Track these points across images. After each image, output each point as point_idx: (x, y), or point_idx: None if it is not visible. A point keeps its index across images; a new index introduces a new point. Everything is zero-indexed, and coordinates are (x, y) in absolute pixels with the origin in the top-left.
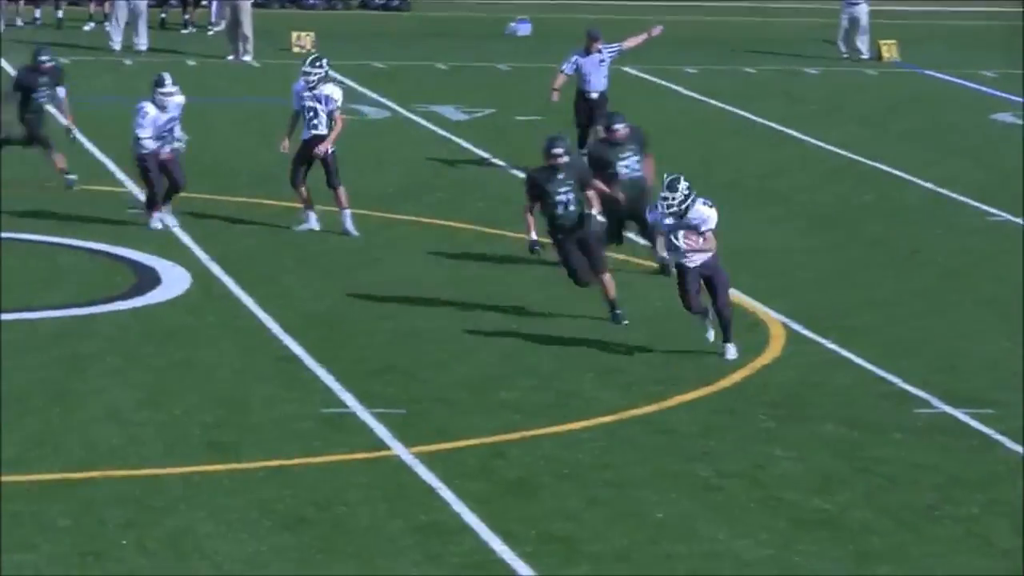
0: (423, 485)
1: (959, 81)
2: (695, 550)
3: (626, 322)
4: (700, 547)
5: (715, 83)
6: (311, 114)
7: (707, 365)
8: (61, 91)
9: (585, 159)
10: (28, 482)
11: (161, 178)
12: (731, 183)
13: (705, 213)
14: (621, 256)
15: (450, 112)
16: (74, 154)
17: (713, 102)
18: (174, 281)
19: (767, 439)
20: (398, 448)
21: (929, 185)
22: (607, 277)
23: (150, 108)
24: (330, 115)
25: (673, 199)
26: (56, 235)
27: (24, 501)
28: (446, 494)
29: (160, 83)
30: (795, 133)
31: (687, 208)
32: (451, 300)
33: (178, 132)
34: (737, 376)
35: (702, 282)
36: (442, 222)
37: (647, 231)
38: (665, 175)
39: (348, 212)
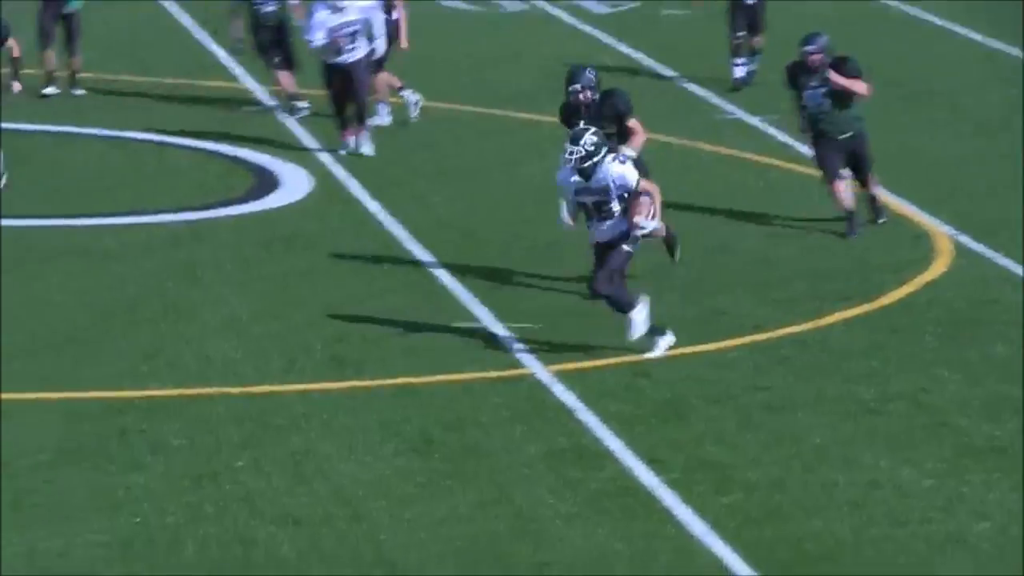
0: (561, 406)
1: None
2: (855, 478)
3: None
4: (860, 475)
5: None
6: None
7: (869, 280)
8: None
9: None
10: (139, 398)
11: (342, 90)
12: (892, 83)
13: (617, 171)
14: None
15: (592, 4)
16: (185, 50)
17: None
18: (295, 184)
19: (933, 360)
20: (535, 366)
21: None
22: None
23: (320, 8)
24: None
25: (573, 153)
26: (170, 134)
27: (134, 418)
28: (586, 416)
29: None
30: (961, 30)
31: (594, 166)
32: None
33: (362, 39)
34: (901, 292)
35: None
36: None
37: (861, 172)
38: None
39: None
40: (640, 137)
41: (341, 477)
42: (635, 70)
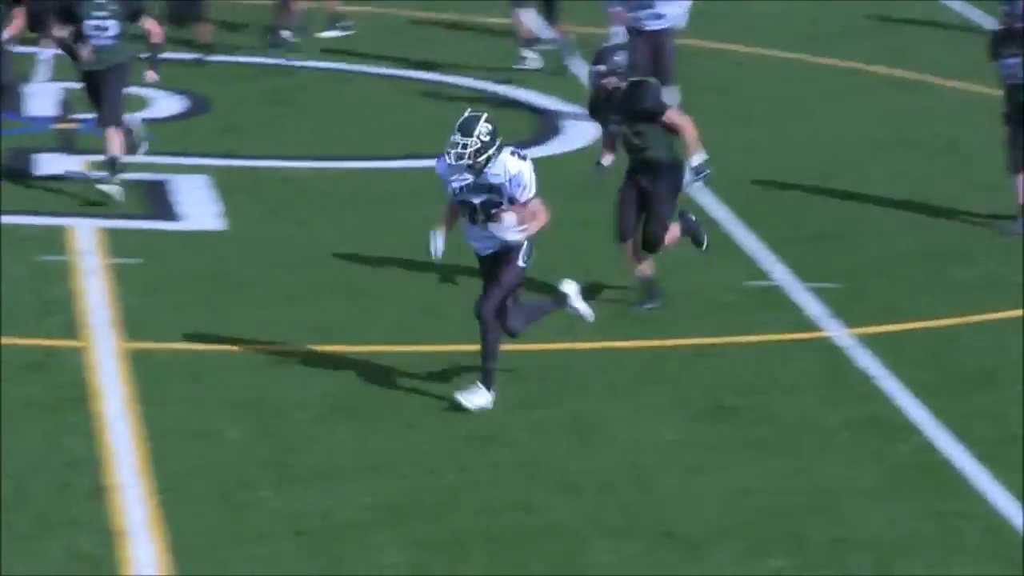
0: (862, 372)
1: None
2: None
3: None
4: None
5: None
6: None
7: None
8: None
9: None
10: (411, 353)
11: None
12: None
13: (513, 169)
14: None
15: None
16: None
17: None
18: (577, 131)
19: None
20: (835, 328)
21: None
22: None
23: None
24: None
25: (465, 146)
26: (447, 73)
27: (407, 374)
28: (889, 383)
29: None
30: None
31: (486, 161)
32: (895, 156)
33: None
34: None
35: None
36: (881, 69)
37: None
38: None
39: None
40: (690, 131)
41: (627, 443)
42: (944, 21)
